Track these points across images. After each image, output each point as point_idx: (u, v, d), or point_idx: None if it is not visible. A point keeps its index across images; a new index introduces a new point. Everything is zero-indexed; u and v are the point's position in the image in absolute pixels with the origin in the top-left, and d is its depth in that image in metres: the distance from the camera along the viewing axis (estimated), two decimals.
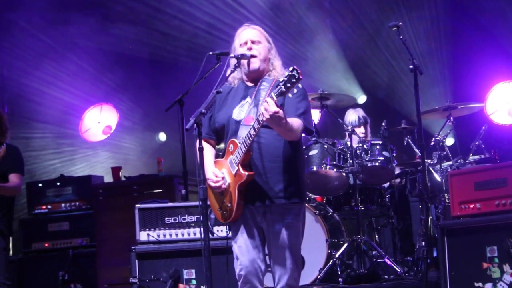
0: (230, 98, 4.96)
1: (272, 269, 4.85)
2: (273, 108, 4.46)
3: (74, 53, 10.61)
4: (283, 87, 4.43)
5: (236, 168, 4.72)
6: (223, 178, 4.80)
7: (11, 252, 7.93)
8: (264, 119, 4.51)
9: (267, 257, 4.92)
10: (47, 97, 10.43)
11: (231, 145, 4.80)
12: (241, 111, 4.86)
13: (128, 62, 10.63)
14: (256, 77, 4.93)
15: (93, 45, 10.61)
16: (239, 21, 5.14)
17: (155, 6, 10.39)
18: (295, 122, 4.72)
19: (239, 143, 4.72)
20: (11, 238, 7.00)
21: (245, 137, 4.66)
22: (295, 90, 4.50)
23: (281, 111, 4.50)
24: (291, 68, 4.43)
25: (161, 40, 10.50)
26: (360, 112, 8.10)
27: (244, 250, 4.85)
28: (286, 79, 4.43)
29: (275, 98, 4.47)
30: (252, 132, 4.61)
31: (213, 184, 4.79)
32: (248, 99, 4.88)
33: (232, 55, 4.89)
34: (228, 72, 4.90)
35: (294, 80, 4.41)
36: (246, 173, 4.69)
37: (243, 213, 4.81)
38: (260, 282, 4.87)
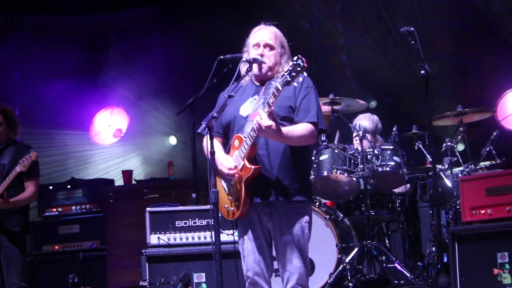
0: (238, 96, 4.95)
1: (281, 270, 4.85)
2: (266, 122, 4.49)
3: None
4: (288, 76, 4.46)
5: (242, 162, 4.71)
6: (235, 167, 4.74)
7: None
8: (257, 132, 4.54)
9: (274, 262, 4.93)
10: (57, 99, 10.46)
11: (236, 140, 4.79)
12: (248, 108, 4.86)
13: (140, 66, 10.66)
14: (264, 79, 4.93)
15: None
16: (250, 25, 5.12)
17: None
18: (302, 129, 4.72)
19: (244, 137, 4.71)
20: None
21: (250, 130, 4.65)
22: (301, 79, 4.54)
23: (274, 124, 4.52)
24: (295, 58, 4.46)
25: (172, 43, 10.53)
26: (363, 121, 7.89)
27: (250, 252, 4.86)
28: (291, 68, 4.46)
29: (280, 88, 4.48)
30: (257, 125, 4.60)
31: (226, 171, 4.74)
32: (256, 96, 4.88)
33: (244, 59, 4.89)
34: (242, 72, 4.90)
35: (299, 68, 4.44)
36: (253, 166, 4.67)
37: (249, 214, 4.81)
38: (268, 283, 4.88)
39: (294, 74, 4.44)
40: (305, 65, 4.42)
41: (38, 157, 6.52)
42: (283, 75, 4.49)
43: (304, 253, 4.83)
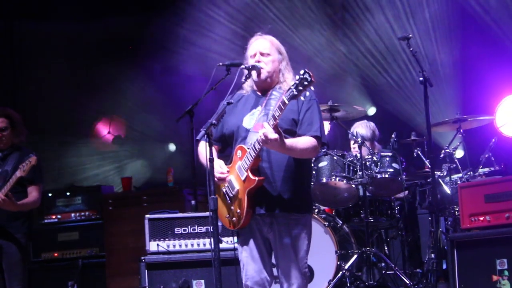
0: (241, 106, 4.97)
1: (280, 279, 4.86)
2: (271, 135, 4.51)
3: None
4: (294, 90, 4.44)
5: (246, 173, 4.71)
6: (228, 171, 4.79)
7: None
8: (261, 144, 4.55)
9: (274, 269, 4.93)
10: (57, 105, 10.47)
11: (239, 151, 4.80)
12: (251, 119, 4.87)
13: (140, 72, 10.68)
14: (265, 87, 4.94)
15: None
16: (252, 33, 5.12)
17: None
18: (305, 142, 4.75)
19: (248, 148, 4.72)
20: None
21: (255, 142, 4.65)
22: (307, 93, 4.54)
23: (279, 137, 4.54)
24: (302, 71, 4.44)
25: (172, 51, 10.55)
26: (360, 129, 7.90)
27: (250, 261, 4.87)
28: (297, 82, 4.44)
29: (286, 102, 4.48)
30: (262, 138, 4.60)
31: (218, 175, 4.75)
32: (259, 108, 4.89)
33: (243, 66, 4.90)
34: (241, 80, 4.92)
35: (306, 83, 4.42)
36: (257, 178, 4.69)
37: (250, 224, 4.81)
38: None
39: (301, 88, 4.42)
40: (312, 79, 4.41)
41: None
42: (289, 88, 4.47)
43: (303, 264, 4.85)
